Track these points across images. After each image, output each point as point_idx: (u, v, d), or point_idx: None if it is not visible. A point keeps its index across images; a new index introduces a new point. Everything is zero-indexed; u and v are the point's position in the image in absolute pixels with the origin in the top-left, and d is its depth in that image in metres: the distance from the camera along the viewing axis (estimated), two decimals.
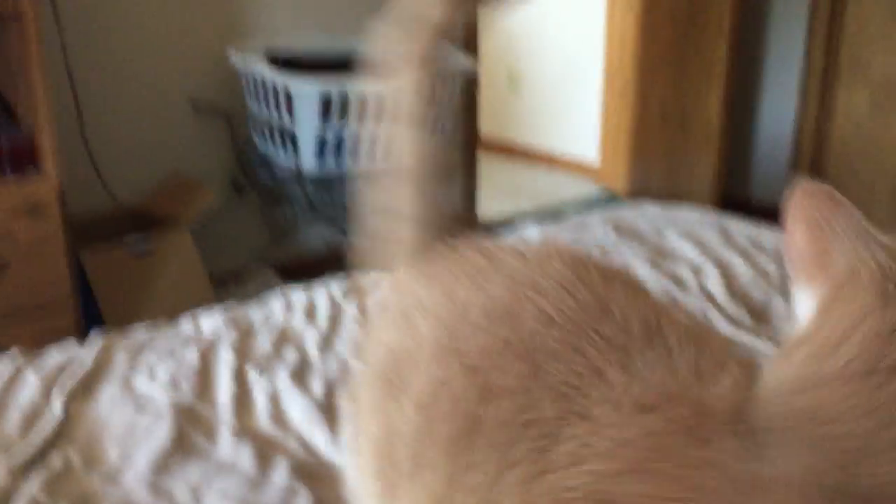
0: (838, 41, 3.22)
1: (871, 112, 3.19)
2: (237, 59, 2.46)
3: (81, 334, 2.01)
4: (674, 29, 3.34)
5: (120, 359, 1.17)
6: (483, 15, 3.36)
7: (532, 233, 1.76)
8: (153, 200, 2.50)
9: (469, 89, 3.08)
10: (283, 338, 1.27)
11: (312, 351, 1.22)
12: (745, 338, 1.26)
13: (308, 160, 2.38)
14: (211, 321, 1.31)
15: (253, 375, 1.14)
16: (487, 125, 3.96)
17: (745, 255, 1.60)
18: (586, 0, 4.08)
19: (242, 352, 1.21)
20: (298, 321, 1.33)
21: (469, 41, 3.19)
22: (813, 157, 3.36)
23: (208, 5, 2.57)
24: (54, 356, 1.18)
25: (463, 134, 3.24)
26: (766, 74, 3.48)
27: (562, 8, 4.32)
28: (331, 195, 2.78)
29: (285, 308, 1.38)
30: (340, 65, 2.57)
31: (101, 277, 2.25)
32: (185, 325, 1.31)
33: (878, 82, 3.16)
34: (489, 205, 3.62)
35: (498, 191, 3.95)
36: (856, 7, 3.15)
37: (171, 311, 2.39)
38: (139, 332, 1.27)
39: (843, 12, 3.18)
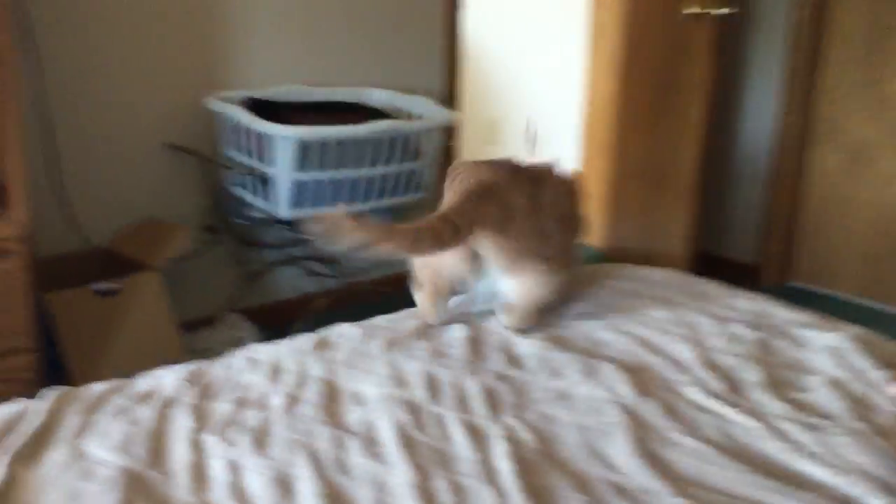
0: (813, 103, 3.26)
1: (843, 173, 3.23)
2: (215, 105, 2.45)
3: (44, 378, 1.95)
4: (651, 90, 3.37)
5: (72, 418, 1.12)
6: (462, 67, 3.38)
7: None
8: (126, 243, 2.46)
9: (449, 140, 3.08)
10: (245, 399, 1.23)
11: (276, 413, 1.18)
12: (718, 408, 1.23)
13: (283, 206, 2.36)
14: (171, 378, 1.27)
15: (211, 441, 1.10)
16: None
17: (717, 319, 1.58)
18: (566, 56, 4.11)
19: (202, 413, 1.17)
20: (262, 380, 1.29)
21: (450, 93, 3.20)
22: (787, 217, 3.38)
23: (186, 54, 2.56)
24: (2, 412, 1.13)
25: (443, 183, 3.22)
26: (740, 135, 3.51)
27: (543, 62, 4.37)
28: (305, 241, 2.76)
29: (250, 365, 1.34)
30: (318, 112, 2.56)
31: (66, 319, 2.20)
32: (144, 382, 1.26)
33: (850, 144, 3.20)
34: None
35: None
36: (829, 70, 3.21)
37: (136, 355, 2.36)
38: (94, 389, 1.22)
39: (818, 75, 3.23)
